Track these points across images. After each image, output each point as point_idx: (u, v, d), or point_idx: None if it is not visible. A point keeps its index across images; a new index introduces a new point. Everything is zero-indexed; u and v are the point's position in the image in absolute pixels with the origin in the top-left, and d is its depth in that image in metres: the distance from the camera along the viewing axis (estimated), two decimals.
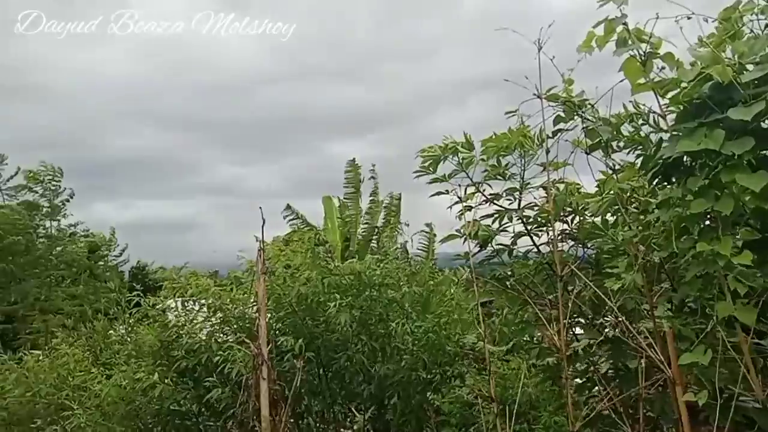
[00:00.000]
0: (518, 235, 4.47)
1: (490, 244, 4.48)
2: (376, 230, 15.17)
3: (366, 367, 5.96)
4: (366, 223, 15.23)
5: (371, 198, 15.74)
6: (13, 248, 14.10)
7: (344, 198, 15.44)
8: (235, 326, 6.07)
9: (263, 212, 5.23)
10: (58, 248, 15.06)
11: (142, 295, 7.28)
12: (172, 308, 7.40)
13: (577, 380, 4.39)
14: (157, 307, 7.35)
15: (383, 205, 15.71)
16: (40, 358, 8.49)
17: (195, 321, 6.47)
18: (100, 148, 52.80)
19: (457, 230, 4.57)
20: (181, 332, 6.18)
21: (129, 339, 7.90)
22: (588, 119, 3.60)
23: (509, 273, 4.52)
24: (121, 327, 11.79)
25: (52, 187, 15.03)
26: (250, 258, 6.23)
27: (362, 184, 15.66)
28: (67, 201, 15.31)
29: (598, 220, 3.96)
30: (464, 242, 4.50)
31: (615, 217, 3.80)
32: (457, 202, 4.45)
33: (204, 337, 6.00)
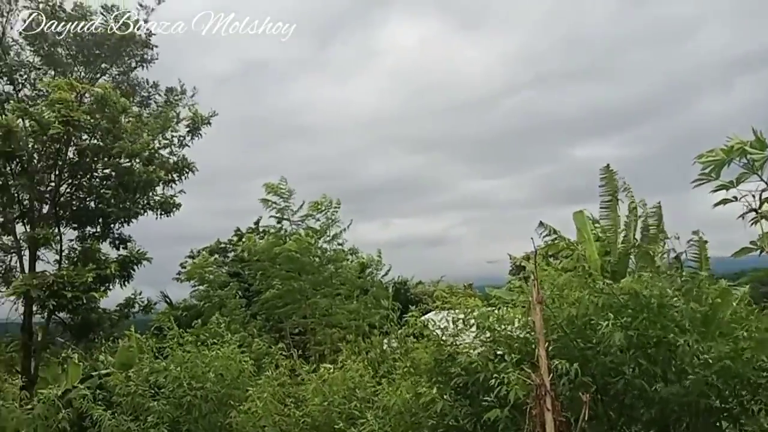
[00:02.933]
0: None
1: None
2: (637, 241, 14.04)
3: (646, 391, 5.61)
4: (624, 234, 14.21)
5: (630, 204, 14.62)
6: (306, 269, 16.45)
7: (600, 207, 14.63)
8: (506, 347, 6.20)
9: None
10: (339, 269, 17.08)
11: (402, 308, 7.85)
12: (434, 321, 7.88)
13: None
14: (421, 319, 7.92)
15: (644, 211, 14.48)
16: (332, 370, 9.69)
17: (465, 339, 6.80)
18: (358, 174, 58.70)
19: (752, 243, 4.10)
20: (456, 350, 6.51)
21: (403, 354, 8.63)
22: None
23: None
24: (393, 341, 12.86)
25: (332, 216, 17.19)
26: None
27: (619, 192, 14.66)
28: (345, 229, 17.38)
29: None
30: (760, 255, 4.02)
31: None
32: (749, 211, 3.99)
33: (477, 356, 6.24)
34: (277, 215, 17.90)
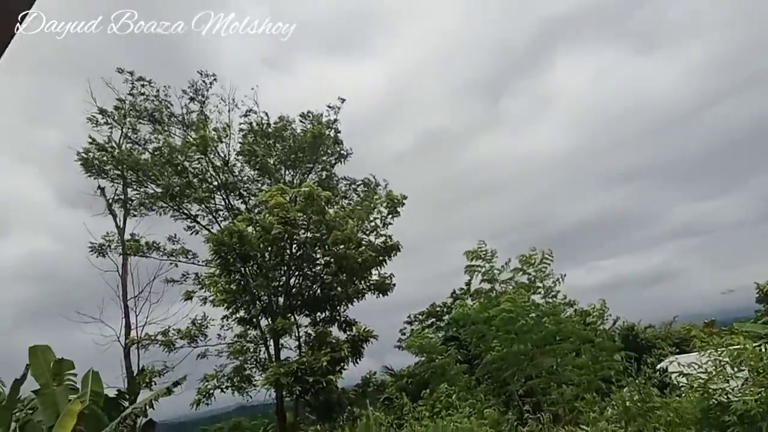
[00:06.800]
0: None
1: None
2: None
3: None
4: None
5: None
6: (523, 328, 16.03)
7: None
8: None
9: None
10: (559, 323, 16.36)
11: (634, 357, 7.09)
12: (682, 366, 7.05)
13: None
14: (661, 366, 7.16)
15: None
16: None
17: (732, 383, 6.02)
18: (555, 220, 56.72)
19: None
20: (726, 396, 5.80)
21: (650, 408, 7.86)
22: None
23: None
24: (633, 394, 11.81)
25: (544, 269, 16.69)
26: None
27: None
28: (559, 280, 16.72)
29: None
30: None
31: None
32: None
33: (755, 403, 5.48)
34: (485, 278, 17.94)
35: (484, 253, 17.57)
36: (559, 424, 12.99)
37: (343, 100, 22.08)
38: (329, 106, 22.00)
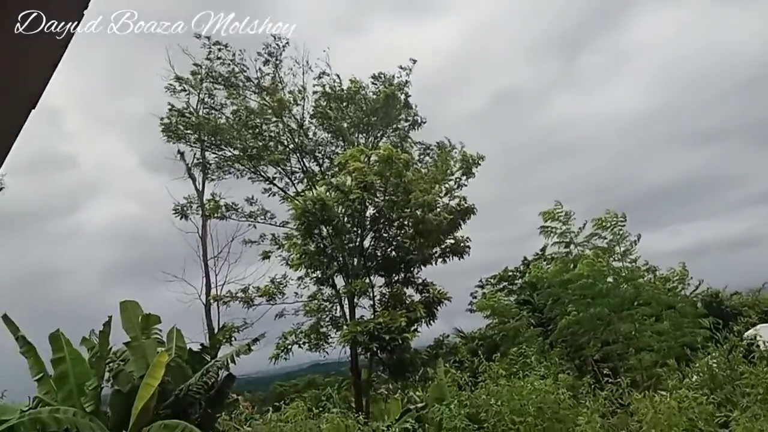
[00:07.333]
0: None
1: None
2: None
3: None
4: None
5: None
6: (601, 292, 15.69)
7: None
8: None
9: None
10: (638, 288, 15.90)
11: (719, 324, 6.81)
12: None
13: None
14: (745, 336, 6.87)
15: None
16: (661, 399, 8.94)
17: None
18: (635, 182, 54.44)
19: None
20: None
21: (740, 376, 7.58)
22: None
23: None
24: (718, 360, 11.41)
25: (619, 232, 16.17)
26: None
27: None
28: (634, 243, 16.18)
29: None
30: None
31: None
32: None
33: None
34: (560, 240, 17.58)
35: (560, 214, 17.19)
36: (638, 389, 12.74)
37: (415, 62, 21.82)
38: (401, 68, 21.79)
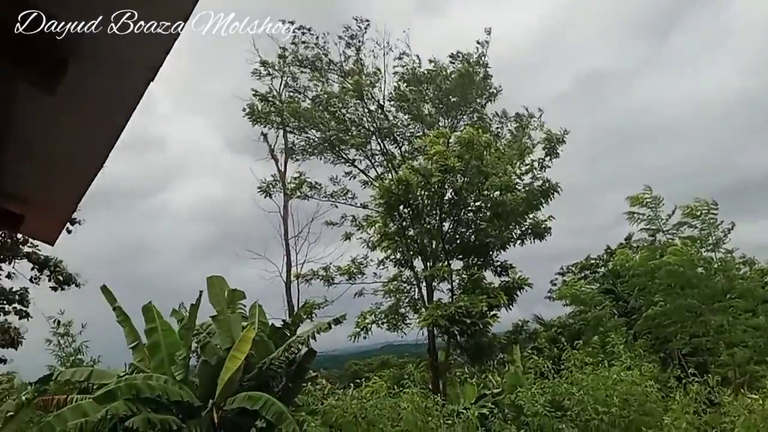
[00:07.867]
0: None
1: None
2: None
3: None
4: None
5: None
6: (691, 282, 15.03)
7: None
8: None
9: None
10: (732, 279, 15.13)
11: None
12: None
13: None
14: None
15: None
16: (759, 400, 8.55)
17: None
18: (732, 169, 51.26)
19: None
20: None
21: None
22: None
23: None
24: None
25: (710, 220, 15.38)
26: None
27: None
28: (729, 231, 15.36)
29: None
30: None
31: None
32: None
33: None
34: (648, 227, 16.93)
35: (648, 199, 16.51)
36: (729, 387, 12.17)
37: (489, 32, 21.31)
38: (478, 42, 21.36)
